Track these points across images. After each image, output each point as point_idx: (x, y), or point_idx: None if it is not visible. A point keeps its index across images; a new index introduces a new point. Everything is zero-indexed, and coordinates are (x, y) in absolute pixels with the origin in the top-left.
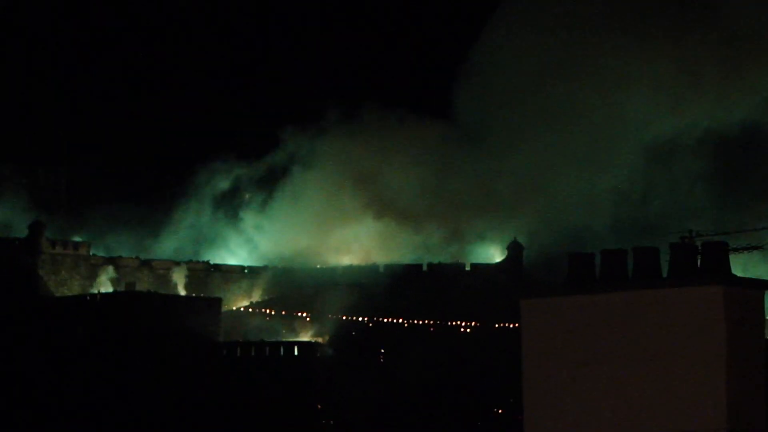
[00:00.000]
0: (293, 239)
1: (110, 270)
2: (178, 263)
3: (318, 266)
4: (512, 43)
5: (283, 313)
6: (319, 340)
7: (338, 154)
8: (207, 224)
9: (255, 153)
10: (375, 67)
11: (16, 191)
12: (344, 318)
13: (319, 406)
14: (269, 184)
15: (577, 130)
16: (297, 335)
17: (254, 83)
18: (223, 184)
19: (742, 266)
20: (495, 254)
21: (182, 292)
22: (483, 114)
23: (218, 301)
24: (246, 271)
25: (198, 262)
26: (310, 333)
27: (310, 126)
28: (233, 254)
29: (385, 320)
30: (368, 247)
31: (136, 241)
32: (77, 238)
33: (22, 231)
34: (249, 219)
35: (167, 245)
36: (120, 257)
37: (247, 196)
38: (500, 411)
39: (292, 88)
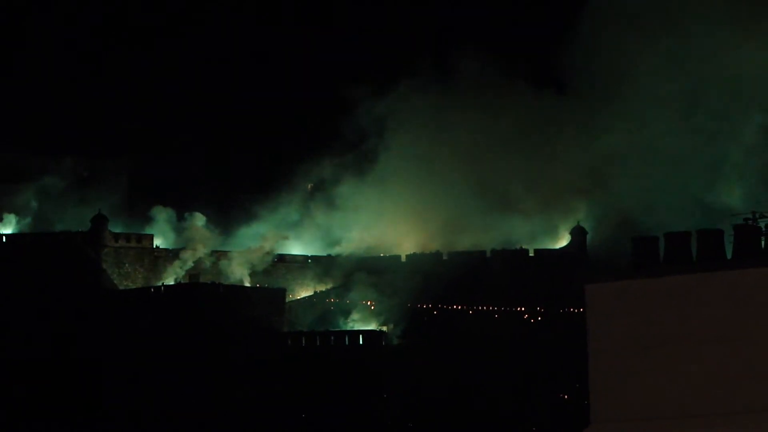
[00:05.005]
0: (367, 227)
1: (174, 262)
2: (241, 254)
3: (381, 255)
4: (622, 7)
5: (348, 302)
6: (384, 328)
7: (428, 116)
8: (284, 217)
9: (330, 134)
10: (466, 18)
11: (78, 184)
12: (409, 306)
13: (385, 395)
14: (351, 166)
15: (689, 105)
16: (362, 324)
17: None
18: (309, 177)
19: None
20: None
21: (247, 283)
22: (594, 83)
23: (282, 292)
24: (310, 261)
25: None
26: (375, 322)
27: (396, 84)
28: (305, 244)
29: (450, 308)
30: (464, 233)
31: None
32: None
33: (86, 224)
34: (318, 208)
35: (241, 239)
36: (183, 249)
37: (309, 186)
38: (566, 396)
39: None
